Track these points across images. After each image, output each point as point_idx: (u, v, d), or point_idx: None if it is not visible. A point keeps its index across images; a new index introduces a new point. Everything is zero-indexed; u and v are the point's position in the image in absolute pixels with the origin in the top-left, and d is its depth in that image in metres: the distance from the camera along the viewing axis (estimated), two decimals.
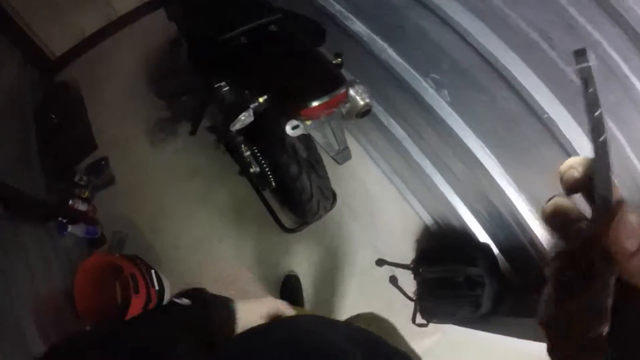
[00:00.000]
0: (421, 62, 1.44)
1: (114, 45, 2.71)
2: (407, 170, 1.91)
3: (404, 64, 1.48)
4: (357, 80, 1.21)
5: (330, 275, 1.99)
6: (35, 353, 1.36)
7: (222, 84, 1.25)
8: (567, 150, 1.08)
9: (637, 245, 0.23)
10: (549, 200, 0.27)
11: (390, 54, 1.49)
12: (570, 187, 0.27)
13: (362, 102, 1.19)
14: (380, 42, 1.50)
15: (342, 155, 1.22)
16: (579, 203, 0.27)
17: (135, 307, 1.71)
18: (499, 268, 1.61)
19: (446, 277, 1.61)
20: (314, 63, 1.17)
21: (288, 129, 1.13)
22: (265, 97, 1.13)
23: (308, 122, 1.14)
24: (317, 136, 1.18)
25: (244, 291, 1.99)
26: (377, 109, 1.81)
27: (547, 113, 1.08)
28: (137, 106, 2.48)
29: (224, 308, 0.69)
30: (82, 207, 2.09)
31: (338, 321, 0.76)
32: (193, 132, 2.10)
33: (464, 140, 1.41)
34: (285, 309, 0.78)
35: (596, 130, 0.25)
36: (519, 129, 1.22)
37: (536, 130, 1.15)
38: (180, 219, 2.17)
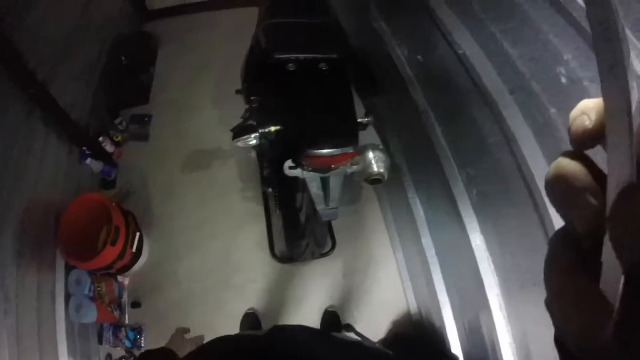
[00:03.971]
0: (463, 153, 1.39)
1: (207, 21, 2.85)
2: (413, 252, 1.83)
3: (446, 147, 1.44)
4: (380, 147, 1.17)
5: (289, 316, 1.91)
6: (3, 247, 1.42)
7: (254, 98, 1.26)
8: None
9: None
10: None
11: (437, 132, 1.46)
12: (580, 141, 0.19)
13: (375, 170, 1.14)
14: (433, 117, 1.48)
15: (327, 213, 1.16)
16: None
17: (107, 256, 1.76)
18: None
19: None
20: (337, 114, 1.12)
21: (285, 166, 1.10)
22: (278, 127, 1.10)
23: (306, 168, 1.10)
24: (312, 185, 1.13)
25: (209, 288, 1.99)
26: (407, 181, 1.77)
27: None
28: (202, 85, 2.58)
29: None
30: (109, 147, 2.18)
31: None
32: (233, 130, 2.14)
33: (473, 246, 1.33)
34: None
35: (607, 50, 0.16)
36: (532, 258, 1.13)
37: None
38: (188, 200, 2.20)
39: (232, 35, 2.74)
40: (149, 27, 2.82)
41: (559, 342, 0.23)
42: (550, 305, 0.21)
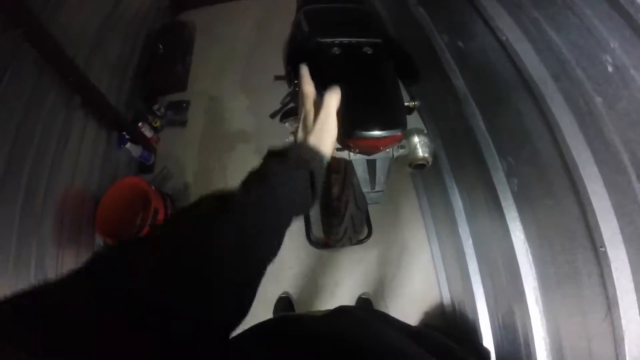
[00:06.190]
0: (503, 141, 1.36)
1: (242, 9, 2.88)
2: (448, 242, 1.81)
3: (487, 135, 1.41)
4: (425, 132, 1.15)
5: (323, 301, 1.93)
6: (43, 231, 1.49)
7: (297, 82, 1.26)
8: (609, 297, 0.94)
9: None
10: None
11: (478, 120, 1.43)
12: None
13: (420, 154, 1.13)
14: (474, 105, 1.45)
15: (373, 196, 1.14)
16: None
17: None
18: None
19: None
20: (385, 97, 1.08)
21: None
22: None
23: (354, 150, 1.09)
24: (358, 168, 1.12)
25: None
26: (446, 169, 1.75)
27: (605, 247, 0.96)
28: (233, 73, 2.63)
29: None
30: (148, 133, 2.24)
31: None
32: (272, 115, 2.18)
33: (512, 237, 1.30)
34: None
35: None
36: (571, 249, 1.09)
37: (586, 260, 1.02)
38: (225, 184, 2.25)
39: (260, 25, 2.78)
40: (185, 17, 2.88)
41: None
42: None
